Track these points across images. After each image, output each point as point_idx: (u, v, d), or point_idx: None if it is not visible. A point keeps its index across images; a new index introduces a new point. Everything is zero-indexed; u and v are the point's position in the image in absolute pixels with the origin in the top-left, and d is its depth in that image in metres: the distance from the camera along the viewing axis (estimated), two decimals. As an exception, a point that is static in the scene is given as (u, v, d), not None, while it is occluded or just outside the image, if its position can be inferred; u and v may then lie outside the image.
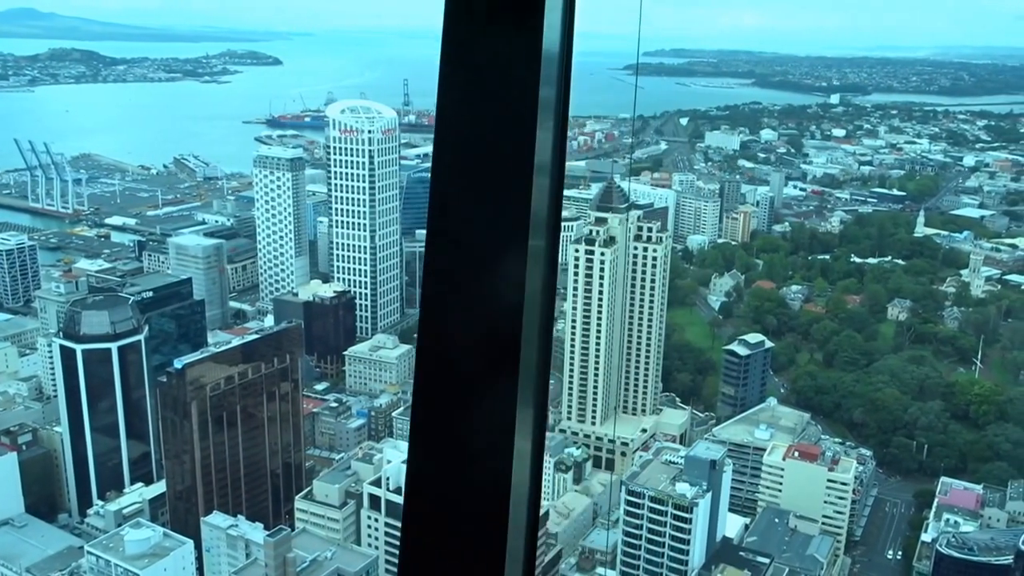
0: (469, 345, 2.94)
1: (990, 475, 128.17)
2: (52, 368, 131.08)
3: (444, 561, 2.95)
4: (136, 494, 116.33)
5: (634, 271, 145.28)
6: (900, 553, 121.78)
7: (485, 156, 2.95)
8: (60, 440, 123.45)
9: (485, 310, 2.93)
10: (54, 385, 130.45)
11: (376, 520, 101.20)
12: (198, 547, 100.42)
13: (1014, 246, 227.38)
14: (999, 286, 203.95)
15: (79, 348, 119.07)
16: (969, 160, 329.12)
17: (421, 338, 2.97)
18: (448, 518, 2.94)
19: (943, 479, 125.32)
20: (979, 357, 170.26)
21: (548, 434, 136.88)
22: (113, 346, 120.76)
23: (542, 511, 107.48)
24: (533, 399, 3.12)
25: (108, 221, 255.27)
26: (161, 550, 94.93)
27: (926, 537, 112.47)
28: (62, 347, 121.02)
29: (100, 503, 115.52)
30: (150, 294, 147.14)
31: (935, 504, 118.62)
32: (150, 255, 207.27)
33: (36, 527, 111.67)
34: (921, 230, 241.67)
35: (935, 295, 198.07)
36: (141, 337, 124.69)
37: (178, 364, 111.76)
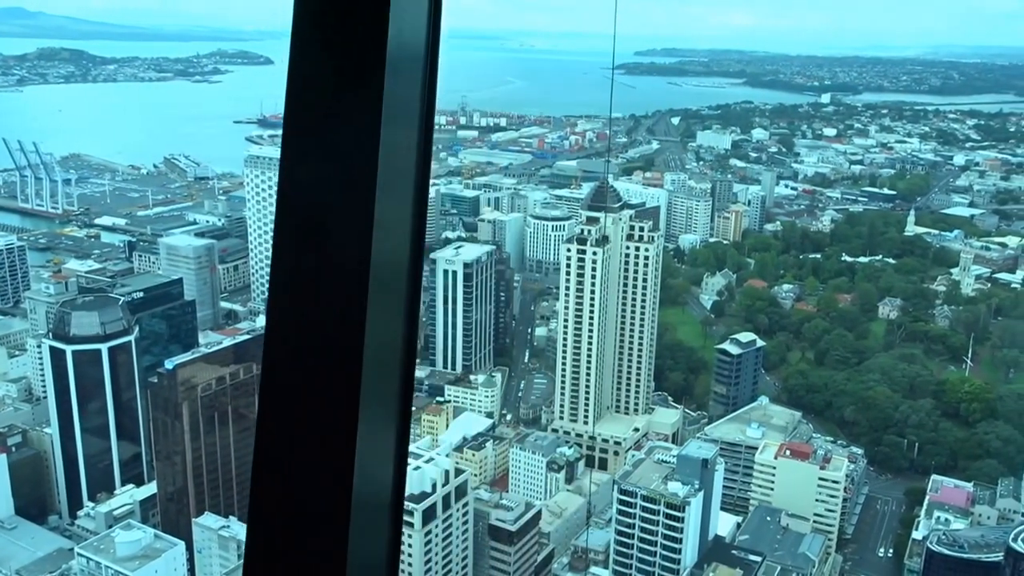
0: (310, 345, 2.89)
1: (980, 472, 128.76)
2: (42, 369, 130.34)
3: (286, 565, 2.90)
4: (127, 495, 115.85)
5: (626, 270, 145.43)
6: (891, 551, 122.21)
7: (328, 159, 2.91)
8: (50, 441, 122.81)
9: (326, 318, 2.87)
10: (44, 386, 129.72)
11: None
12: (189, 548, 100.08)
13: (1004, 244, 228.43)
14: (989, 284, 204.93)
15: (69, 349, 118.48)
16: (959, 159, 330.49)
17: (266, 339, 2.94)
18: (290, 522, 2.89)
19: (934, 477, 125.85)
20: (969, 355, 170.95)
21: (540, 433, 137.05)
22: (103, 347, 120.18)
23: (534, 511, 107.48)
24: (391, 422, 3.09)
25: (98, 221, 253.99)
26: (152, 552, 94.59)
27: (917, 535, 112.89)
28: (52, 348, 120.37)
29: (91, 505, 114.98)
30: (140, 295, 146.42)
31: (926, 502, 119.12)
32: (140, 255, 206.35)
33: (26, 529, 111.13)
34: (912, 229, 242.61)
35: (926, 294, 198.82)
36: (131, 338, 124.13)
37: (169, 365, 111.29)
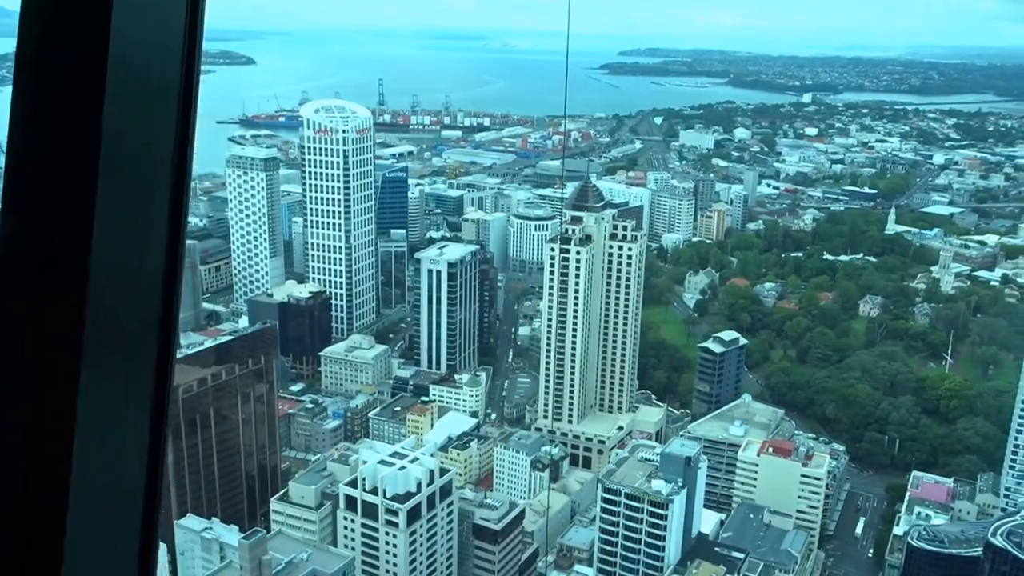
0: (23, 347, 2.79)
1: (960, 468, 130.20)
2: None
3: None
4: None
5: (609, 269, 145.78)
6: (872, 548, 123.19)
7: (51, 164, 2.81)
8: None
9: (45, 317, 2.78)
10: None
11: (352, 521, 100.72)
12: (172, 550, 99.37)
13: (983, 243, 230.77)
14: (968, 282, 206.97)
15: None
16: (939, 158, 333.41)
17: None
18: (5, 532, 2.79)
19: (914, 473, 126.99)
20: (949, 352, 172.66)
21: (524, 432, 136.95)
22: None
23: (518, 510, 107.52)
24: (137, 416, 3.05)
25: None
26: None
27: (898, 530, 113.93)
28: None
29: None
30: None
31: (907, 497, 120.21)
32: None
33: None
34: (892, 227, 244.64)
35: (906, 291, 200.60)
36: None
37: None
